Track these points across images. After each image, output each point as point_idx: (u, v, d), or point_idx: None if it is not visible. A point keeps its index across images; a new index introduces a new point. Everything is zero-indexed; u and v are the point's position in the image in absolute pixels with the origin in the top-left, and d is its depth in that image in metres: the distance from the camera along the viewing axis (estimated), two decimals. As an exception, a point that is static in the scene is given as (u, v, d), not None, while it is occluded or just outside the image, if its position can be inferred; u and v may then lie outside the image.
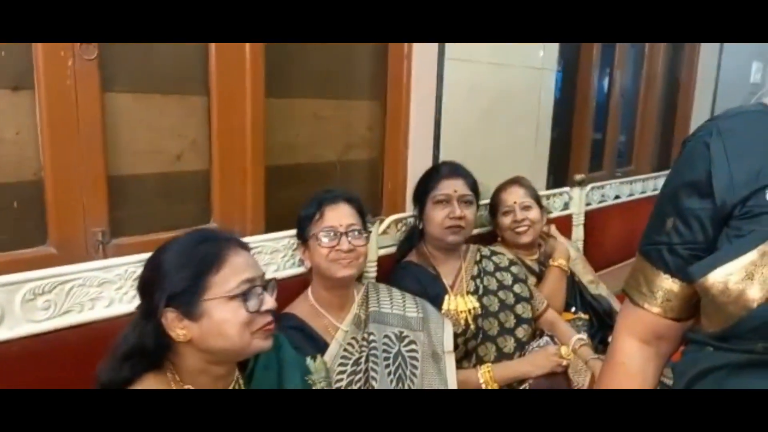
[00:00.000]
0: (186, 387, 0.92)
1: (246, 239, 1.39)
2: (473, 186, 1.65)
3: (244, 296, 0.88)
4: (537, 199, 1.92)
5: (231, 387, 0.97)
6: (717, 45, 3.52)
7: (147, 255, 0.97)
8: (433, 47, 1.83)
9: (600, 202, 2.68)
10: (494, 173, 2.01)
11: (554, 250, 1.90)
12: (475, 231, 1.99)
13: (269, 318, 0.92)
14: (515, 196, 1.88)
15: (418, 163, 1.84)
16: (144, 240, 1.35)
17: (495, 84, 2.06)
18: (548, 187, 2.45)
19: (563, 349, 1.51)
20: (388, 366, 1.27)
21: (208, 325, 0.88)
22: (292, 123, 1.68)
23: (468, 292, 1.59)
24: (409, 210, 1.78)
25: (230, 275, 0.89)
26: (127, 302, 1.19)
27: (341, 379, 1.24)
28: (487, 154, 2.09)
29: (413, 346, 1.33)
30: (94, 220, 1.27)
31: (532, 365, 1.47)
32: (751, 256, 0.62)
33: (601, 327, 1.89)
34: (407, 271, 1.61)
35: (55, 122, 1.18)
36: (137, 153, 1.36)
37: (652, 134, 3.36)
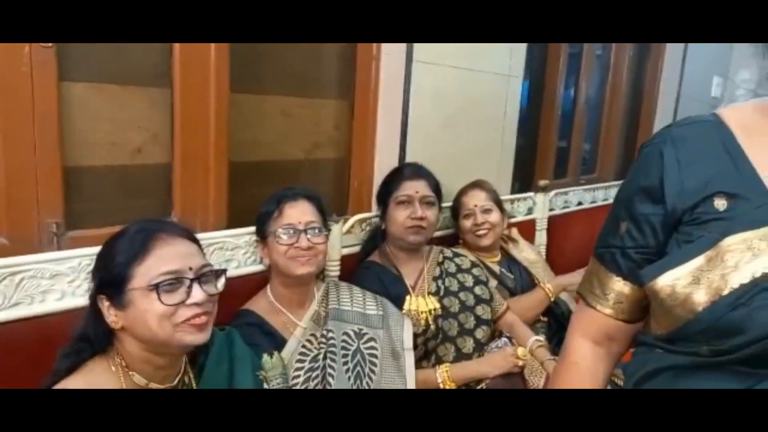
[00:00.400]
0: (131, 373, 0.93)
1: (207, 234, 1.41)
2: (435, 188, 1.67)
3: (161, 288, 0.88)
4: (498, 203, 1.95)
5: (178, 379, 0.97)
6: (680, 58, 3.63)
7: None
8: (402, 50, 1.84)
9: (563, 208, 2.74)
10: (459, 176, 2.03)
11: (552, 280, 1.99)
12: (438, 233, 2.01)
13: (196, 311, 0.91)
14: (476, 199, 1.91)
15: (384, 164, 1.85)
16: (101, 233, 1.30)
17: (462, 88, 2.08)
18: (513, 192, 2.49)
19: (520, 350, 1.53)
20: (346, 363, 1.27)
21: (134, 315, 0.89)
22: (259, 119, 1.67)
23: (429, 293, 1.60)
24: (375, 210, 1.79)
25: (153, 266, 0.89)
26: (80, 295, 1.16)
27: (298, 376, 1.24)
28: (453, 157, 2.11)
29: (372, 344, 1.34)
30: (48, 211, 1.24)
31: (489, 365, 1.50)
32: (699, 261, 0.64)
33: (559, 329, 1.93)
34: (369, 270, 1.61)
35: (9, 111, 1.15)
36: (96, 144, 1.33)
37: (615, 143, 3.44)
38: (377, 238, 1.70)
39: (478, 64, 2.11)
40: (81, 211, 1.33)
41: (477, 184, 1.97)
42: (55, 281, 1.16)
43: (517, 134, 2.44)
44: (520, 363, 1.50)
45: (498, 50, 2.21)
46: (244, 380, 1.07)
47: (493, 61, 2.20)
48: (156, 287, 0.88)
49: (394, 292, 1.55)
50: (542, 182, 2.49)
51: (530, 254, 2.07)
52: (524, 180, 2.80)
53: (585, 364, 0.80)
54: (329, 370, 1.24)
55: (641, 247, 0.72)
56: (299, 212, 1.30)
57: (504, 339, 1.72)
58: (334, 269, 1.63)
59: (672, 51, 3.53)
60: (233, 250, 1.44)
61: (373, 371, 1.30)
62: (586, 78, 3.09)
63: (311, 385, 1.23)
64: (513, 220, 2.34)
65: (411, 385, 1.33)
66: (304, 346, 1.26)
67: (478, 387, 1.60)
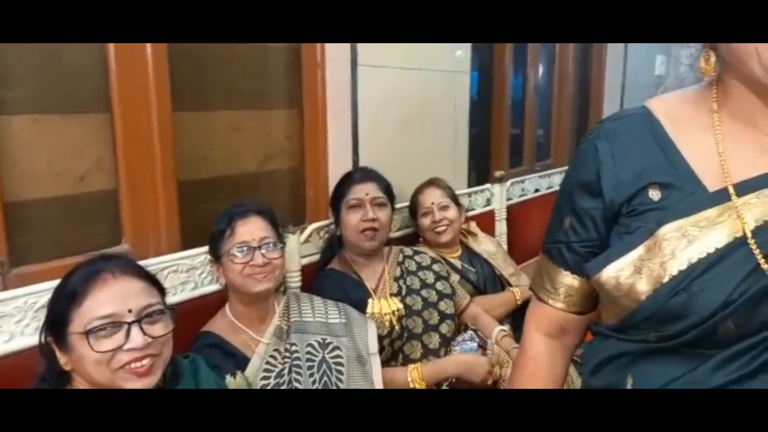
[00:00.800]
0: None
1: (160, 258, 1.39)
2: (386, 189, 1.68)
3: (93, 334, 0.85)
4: (454, 199, 1.97)
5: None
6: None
7: (52, 283, 0.95)
8: (346, 54, 1.84)
9: (521, 196, 2.79)
10: (415, 176, 2.05)
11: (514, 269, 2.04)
12: (398, 233, 2.03)
13: (135, 356, 0.87)
14: (432, 197, 1.93)
15: (338, 171, 1.85)
16: (49, 267, 1.29)
17: (410, 88, 2.10)
18: (471, 185, 2.52)
19: (496, 369, 1.54)
20: (312, 375, 1.27)
21: (75, 359, 0.87)
22: (206, 136, 1.65)
23: (391, 294, 1.61)
24: (332, 218, 1.79)
25: (89, 310, 0.87)
26: (30, 335, 1.13)
27: (265, 393, 1.23)
28: (407, 157, 2.12)
29: (338, 352, 1.34)
30: (-10, 250, 1.20)
31: (460, 368, 1.50)
32: (638, 251, 0.66)
33: (523, 317, 1.96)
34: (329, 278, 1.61)
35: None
36: (36, 176, 1.29)
37: (568, 128, 3.52)
38: (334, 245, 1.70)
39: (423, 63, 2.13)
40: (26, 246, 1.29)
41: (432, 182, 1.99)
42: (1, 323, 1.12)
43: (470, 127, 2.47)
44: (489, 382, 1.51)
45: (443, 48, 2.24)
46: (211, 405, 1.05)
47: (439, 59, 2.22)
48: (89, 333, 0.85)
49: (356, 297, 1.56)
50: (498, 173, 2.53)
51: (490, 246, 2.10)
52: (481, 172, 2.84)
53: (542, 359, 0.82)
54: (295, 384, 1.24)
55: (585, 241, 0.74)
56: (252, 229, 1.29)
57: (470, 332, 1.75)
58: (295, 280, 1.63)
59: (614, 34, 3.62)
60: (188, 272, 1.42)
61: (340, 380, 1.30)
62: (534, 65, 3.14)
63: (278, 400, 1.23)
64: (472, 213, 2.38)
65: (378, 388, 1.34)
66: (268, 363, 1.26)
67: (445, 384, 1.63)
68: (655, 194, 0.67)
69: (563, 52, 3.37)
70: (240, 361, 1.24)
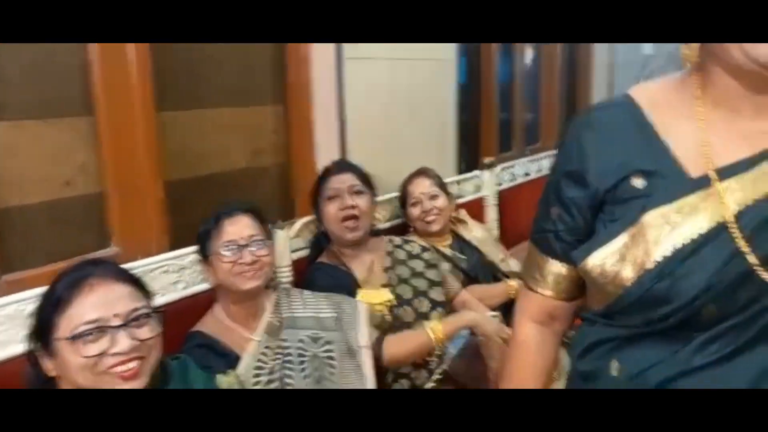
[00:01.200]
0: None
1: (149, 260, 1.40)
2: (364, 178, 1.68)
3: (81, 339, 0.86)
4: (443, 187, 1.98)
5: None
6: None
7: (43, 289, 0.95)
8: (330, 48, 1.84)
9: (511, 181, 2.79)
10: (404, 166, 2.05)
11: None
12: (388, 223, 2.04)
13: (121, 359, 0.88)
14: (421, 187, 1.94)
15: (326, 164, 1.85)
16: (40, 273, 1.29)
17: (397, 79, 2.09)
18: (461, 172, 2.52)
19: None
20: (304, 370, 1.29)
21: (61, 364, 0.88)
22: (193, 134, 1.65)
23: (381, 285, 1.62)
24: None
25: (75, 315, 0.87)
26: (22, 341, 1.14)
27: (258, 390, 1.25)
28: (396, 147, 2.13)
29: (329, 347, 1.35)
30: (-21, 257, 1.21)
31: (475, 320, 1.55)
32: (623, 239, 0.67)
33: (514, 302, 1.98)
34: (319, 272, 1.62)
35: None
36: (21, 183, 1.30)
37: (556, 110, 3.51)
38: (321, 240, 1.71)
39: (410, 53, 2.12)
40: (16, 252, 1.30)
41: (421, 172, 1.99)
42: (-6, 330, 1.13)
43: (459, 113, 2.48)
44: (503, 336, 1.52)
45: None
46: (203, 405, 1.07)
47: (425, 47, 2.21)
48: (76, 338, 0.86)
49: (346, 289, 1.56)
50: (487, 159, 2.53)
51: (480, 233, 2.12)
52: (471, 158, 2.84)
53: (532, 346, 0.84)
54: (287, 380, 1.26)
55: (572, 229, 0.75)
56: (239, 227, 1.29)
57: (461, 320, 1.77)
58: (286, 276, 1.64)
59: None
60: (179, 272, 1.43)
61: (332, 374, 1.31)
62: (521, 49, 3.13)
63: (272, 396, 1.24)
64: (462, 200, 2.38)
65: (370, 383, 1.35)
66: (259, 360, 1.27)
67: (439, 369, 1.65)
68: (638, 182, 0.68)
69: (550, 35, 3.36)
70: (232, 360, 1.25)
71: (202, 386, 1.07)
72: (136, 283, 0.96)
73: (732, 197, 0.63)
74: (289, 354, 1.29)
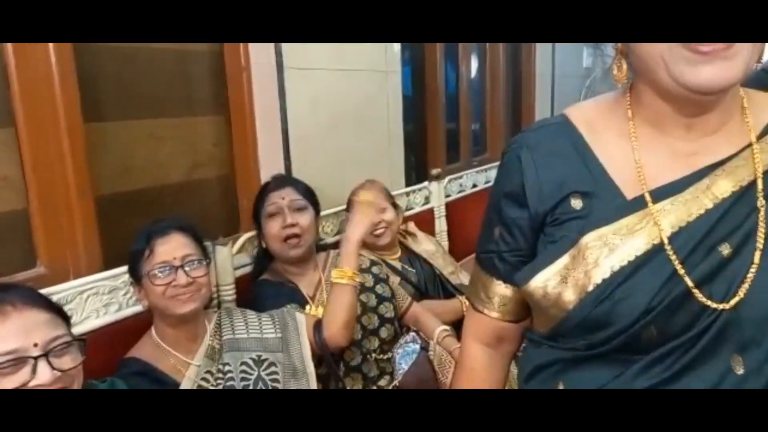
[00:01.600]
0: None
1: (79, 281, 1.31)
2: (305, 192, 1.63)
3: None
4: (391, 200, 1.96)
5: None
6: (550, 35, 3.82)
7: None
8: (271, 58, 1.79)
9: (459, 192, 2.80)
10: (351, 178, 2.02)
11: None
12: (336, 237, 1.99)
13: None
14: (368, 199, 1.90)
15: (270, 176, 1.80)
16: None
17: (340, 89, 2.06)
18: (410, 184, 2.51)
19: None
20: (247, 394, 1.22)
21: None
22: (125, 147, 1.56)
23: (329, 302, 1.58)
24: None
25: None
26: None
27: (198, 417, 1.17)
28: (342, 160, 2.09)
29: (273, 368, 1.29)
30: None
31: (357, 227, 1.51)
32: (564, 260, 0.66)
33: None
34: (264, 289, 1.57)
35: None
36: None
37: (501, 121, 3.57)
38: (263, 258, 1.65)
39: (352, 64, 2.10)
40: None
41: (367, 184, 1.96)
42: None
43: (405, 124, 2.47)
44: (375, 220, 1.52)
45: (372, 47, 2.21)
46: None
47: (368, 59, 2.19)
48: None
49: (294, 306, 1.51)
50: (434, 171, 2.54)
51: (429, 246, 2.10)
52: (419, 169, 2.84)
53: (480, 369, 0.83)
54: (229, 406, 1.19)
55: (514, 250, 0.74)
56: (172, 247, 1.22)
57: (411, 334, 1.74)
58: (229, 294, 1.57)
59: (542, 28, 3.71)
60: (111, 293, 1.34)
61: (277, 396, 1.26)
62: (466, 60, 3.17)
63: (213, 423, 1.17)
64: (411, 212, 2.37)
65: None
66: (199, 386, 1.20)
67: (391, 386, 1.61)
68: (576, 203, 0.68)
69: (494, 46, 3.42)
70: (169, 387, 1.17)
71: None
72: (54, 309, 0.90)
73: (666, 219, 0.63)
74: (231, 378, 1.22)
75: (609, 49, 4.46)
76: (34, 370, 0.82)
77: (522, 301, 0.77)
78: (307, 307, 1.56)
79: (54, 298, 1.00)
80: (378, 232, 1.89)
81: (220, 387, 1.21)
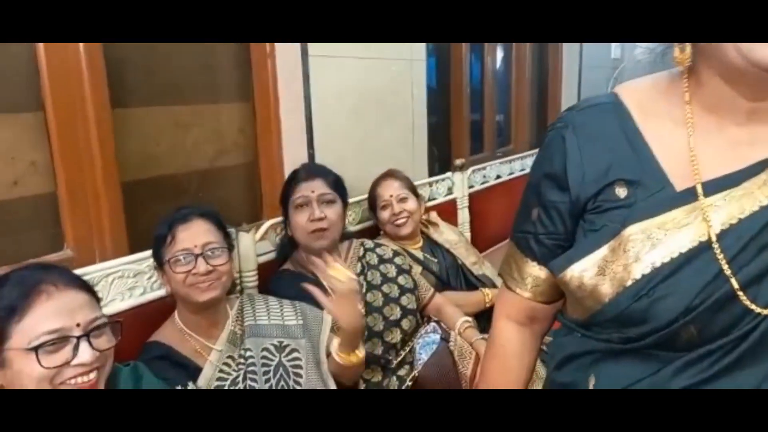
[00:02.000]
0: None
1: (105, 264, 1.32)
2: (334, 184, 1.62)
3: (42, 350, 0.81)
4: (413, 190, 1.95)
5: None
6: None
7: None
8: (296, 45, 1.78)
9: (482, 183, 2.77)
10: (373, 168, 2.01)
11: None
12: (358, 226, 1.99)
13: (82, 371, 0.84)
14: (390, 189, 1.90)
15: (293, 164, 1.79)
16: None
17: (365, 78, 2.05)
18: (433, 174, 2.49)
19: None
20: (268, 380, 1.23)
21: (11, 376, 0.83)
22: (151, 133, 1.58)
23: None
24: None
25: (33, 325, 0.82)
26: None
27: (219, 401, 1.18)
28: (364, 148, 2.08)
29: (296, 354, 1.30)
30: None
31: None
32: (603, 251, 0.64)
33: (489, 310, 1.96)
34: (285, 280, 1.56)
35: None
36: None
37: (527, 113, 3.52)
38: (287, 246, 1.65)
39: (377, 52, 2.08)
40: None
41: (389, 174, 1.95)
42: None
43: (429, 115, 2.44)
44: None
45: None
46: (157, 416, 1.01)
47: (394, 47, 2.17)
48: (36, 349, 0.81)
49: (314, 299, 1.51)
50: (458, 161, 2.51)
51: (451, 236, 2.09)
52: (442, 160, 2.82)
53: (511, 346, 0.82)
54: (251, 391, 1.20)
55: (552, 234, 0.72)
56: (193, 234, 1.21)
57: (432, 324, 1.73)
58: (251, 280, 1.58)
59: (570, 17, 3.64)
60: (136, 277, 1.36)
61: (298, 383, 1.26)
62: (492, 50, 3.13)
63: (234, 408, 1.18)
64: (434, 202, 2.36)
65: (335, 392, 1.30)
66: (221, 371, 1.21)
67: (410, 377, 1.61)
68: (621, 191, 0.65)
69: (521, 37, 3.36)
70: (191, 372, 1.18)
71: (158, 398, 1.01)
72: (90, 290, 0.92)
73: (716, 215, 0.59)
74: (252, 364, 1.23)
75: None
76: (75, 349, 0.83)
77: (555, 284, 0.75)
78: (329, 299, 1.55)
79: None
80: (399, 221, 1.88)
81: (242, 372, 1.22)
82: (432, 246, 2.02)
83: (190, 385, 1.13)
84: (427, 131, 2.45)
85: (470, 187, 2.59)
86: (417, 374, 1.59)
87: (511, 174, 3.02)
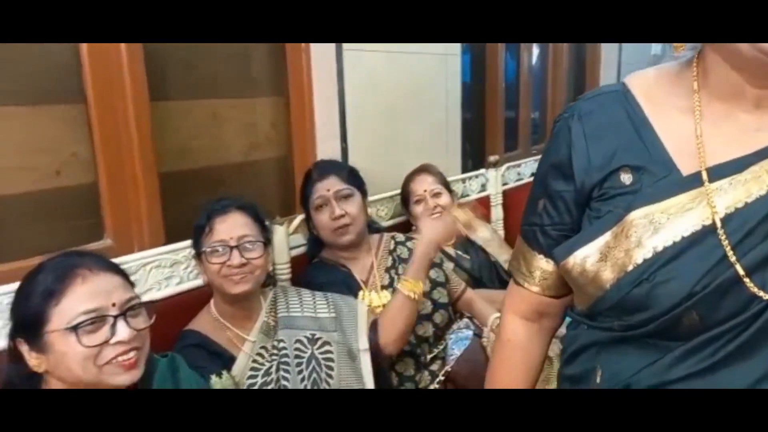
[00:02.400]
0: None
1: (142, 254, 1.35)
2: (349, 178, 1.60)
3: (81, 329, 0.83)
4: (446, 185, 1.93)
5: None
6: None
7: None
8: (331, 38, 1.78)
9: (517, 180, 2.73)
10: (406, 162, 2.00)
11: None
12: (390, 221, 1.98)
13: (122, 349, 0.86)
14: (425, 184, 1.88)
15: (327, 158, 1.80)
16: (25, 265, 1.24)
17: (399, 72, 2.04)
18: (466, 170, 2.47)
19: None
20: (301, 372, 1.23)
21: (54, 358, 0.84)
22: (188, 126, 1.60)
23: (382, 287, 1.57)
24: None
25: (71, 306, 0.84)
26: (4, 336, 1.09)
27: (252, 391, 1.19)
28: (397, 143, 2.07)
29: (327, 347, 1.30)
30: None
31: (427, 237, 1.40)
32: (606, 237, 0.63)
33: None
34: (319, 270, 1.57)
35: None
36: (8, 171, 1.24)
37: (563, 110, 3.45)
38: (316, 243, 1.65)
39: (411, 46, 2.07)
40: (3, 243, 1.24)
41: (423, 169, 1.94)
42: (-27, 325, 1.08)
43: (463, 111, 2.42)
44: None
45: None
46: (192, 405, 1.02)
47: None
48: (75, 328, 0.82)
49: (347, 290, 1.51)
50: (492, 158, 2.48)
51: (484, 233, 2.06)
52: (476, 157, 2.79)
53: (517, 341, 0.81)
54: (283, 382, 1.20)
55: (558, 224, 0.71)
56: (230, 226, 1.22)
57: (465, 320, 1.72)
58: (284, 273, 1.59)
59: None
60: (172, 267, 1.38)
61: (330, 375, 1.26)
62: (528, 46, 3.08)
63: (267, 398, 1.19)
64: (467, 199, 2.33)
65: (369, 385, 1.29)
66: (255, 361, 1.22)
67: (442, 372, 1.59)
68: (626, 178, 0.64)
69: (557, 32, 3.30)
70: (226, 360, 1.19)
71: (194, 386, 1.03)
72: (123, 274, 0.94)
73: (721, 199, 0.59)
74: (285, 355, 1.23)
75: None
76: (113, 328, 0.85)
77: (563, 277, 0.74)
78: (360, 293, 1.55)
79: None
80: (433, 216, 1.86)
81: (275, 363, 1.22)
82: (465, 243, 1.99)
83: (224, 374, 1.14)
84: (461, 127, 2.42)
85: (504, 184, 2.56)
86: (449, 369, 1.58)
87: (546, 171, 2.96)
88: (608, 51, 3.70)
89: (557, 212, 0.71)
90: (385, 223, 1.95)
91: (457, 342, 1.65)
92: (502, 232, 2.43)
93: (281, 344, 1.24)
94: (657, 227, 0.60)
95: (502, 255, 2.02)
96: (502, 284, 1.96)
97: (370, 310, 1.45)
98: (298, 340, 1.27)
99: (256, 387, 1.19)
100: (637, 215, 0.61)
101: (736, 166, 0.59)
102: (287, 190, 1.89)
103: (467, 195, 2.37)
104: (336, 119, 1.84)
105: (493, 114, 2.81)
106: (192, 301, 1.35)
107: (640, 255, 0.60)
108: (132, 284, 0.95)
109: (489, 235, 2.07)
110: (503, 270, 1.98)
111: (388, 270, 1.62)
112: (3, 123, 1.23)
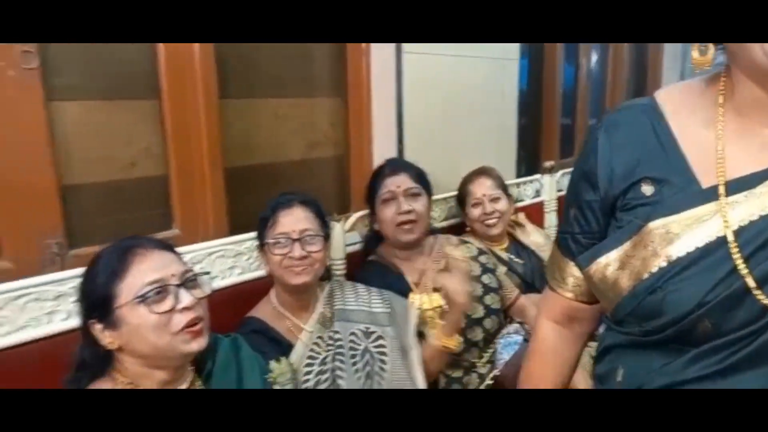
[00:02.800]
0: None
1: (207, 243, 1.41)
2: (419, 178, 1.63)
3: (148, 298, 0.88)
4: (504, 189, 1.93)
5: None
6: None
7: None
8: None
9: (572, 187, 2.69)
10: (461, 165, 2.01)
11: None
12: (444, 223, 1.99)
13: (190, 316, 0.91)
14: (483, 188, 1.88)
15: (383, 158, 1.82)
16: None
17: (456, 76, 2.05)
18: (520, 175, 2.46)
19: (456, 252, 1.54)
20: (355, 363, 1.26)
21: (128, 332, 0.89)
22: (252, 123, 1.67)
23: (433, 289, 1.58)
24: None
25: (135, 280, 0.89)
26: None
27: (308, 380, 1.23)
28: (453, 146, 2.09)
29: (381, 341, 1.32)
30: (47, 231, 1.24)
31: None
32: (625, 246, 0.66)
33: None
34: (371, 271, 1.59)
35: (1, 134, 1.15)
36: (89, 161, 1.33)
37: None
38: (373, 240, 1.68)
39: (470, 50, 2.08)
40: (82, 228, 1.33)
41: (483, 172, 1.94)
42: (59, 302, 1.16)
43: (519, 116, 2.41)
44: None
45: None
46: (253, 384, 1.07)
47: (486, 45, 2.16)
48: (143, 298, 0.88)
49: (398, 292, 1.52)
50: (548, 163, 2.46)
51: (538, 238, 2.04)
52: (530, 162, 2.77)
53: (548, 345, 0.84)
54: (338, 372, 1.24)
55: (587, 233, 0.74)
56: (293, 220, 1.27)
57: (515, 325, 1.71)
58: (339, 268, 1.62)
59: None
60: (235, 257, 1.44)
61: (383, 369, 1.28)
62: (587, 52, 3.03)
63: (321, 387, 1.23)
64: (521, 204, 2.32)
65: (419, 382, 1.31)
66: (312, 350, 1.25)
67: (491, 375, 1.59)
68: (648, 189, 0.67)
69: (618, 39, 3.24)
70: (284, 348, 1.24)
71: (255, 366, 1.07)
72: (175, 251, 0.99)
73: (734, 212, 0.60)
74: (341, 346, 1.27)
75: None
76: (176, 297, 0.90)
77: None
78: (411, 294, 1.57)
79: (186, 258, 1.09)
80: (490, 221, 1.87)
81: (331, 353, 1.26)
82: (518, 247, 1.98)
83: (283, 360, 1.18)
84: (516, 132, 2.41)
85: (559, 190, 2.53)
86: (498, 373, 1.57)
87: (602, 179, 2.90)
88: (670, 57, 3.59)
89: (586, 221, 0.74)
90: (439, 225, 1.97)
91: (506, 347, 1.65)
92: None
93: (337, 335, 1.28)
94: (673, 238, 0.62)
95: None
96: (555, 290, 1.93)
97: (421, 312, 1.46)
98: (352, 333, 1.30)
99: (312, 374, 1.23)
100: (655, 225, 0.64)
101: (753, 180, 0.61)
102: (343, 188, 1.93)
103: (521, 200, 2.35)
104: (393, 120, 1.88)
105: (549, 120, 2.78)
106: (253, 291, 1.41)
107: (655, 264, 0.63)
108: (183, 261, 1.00)
109: (542, 241, 2.05)
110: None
111: (440, 272, 1.63)
112: (86, 116, 1.32)
